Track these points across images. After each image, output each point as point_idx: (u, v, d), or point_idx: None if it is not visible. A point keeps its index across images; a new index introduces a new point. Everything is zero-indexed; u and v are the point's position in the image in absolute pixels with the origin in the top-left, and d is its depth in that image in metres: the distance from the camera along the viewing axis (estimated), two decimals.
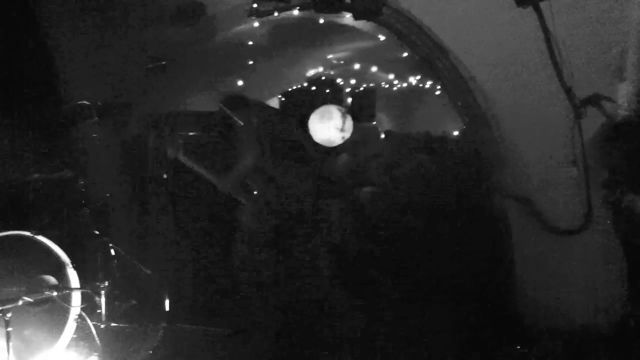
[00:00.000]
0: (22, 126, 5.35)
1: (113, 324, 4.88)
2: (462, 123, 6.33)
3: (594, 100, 4.89)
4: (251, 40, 8.01)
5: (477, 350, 4.78)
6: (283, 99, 10.37)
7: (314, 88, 9.97)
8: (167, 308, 4.95)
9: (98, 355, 4.48)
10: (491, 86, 5.53)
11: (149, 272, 5.31)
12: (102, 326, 4.72)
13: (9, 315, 3.88)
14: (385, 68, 10.85)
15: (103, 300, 4.77)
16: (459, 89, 5.78)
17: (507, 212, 5.45)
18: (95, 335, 4.50)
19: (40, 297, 4.22)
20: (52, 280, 4.40)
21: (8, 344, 3.84)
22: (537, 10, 4.92)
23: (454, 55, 5.63)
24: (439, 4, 5.49)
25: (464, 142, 6.52)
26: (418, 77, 11.01)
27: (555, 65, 4.94)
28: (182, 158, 5.16)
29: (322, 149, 7.32)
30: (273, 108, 8.90)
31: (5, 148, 5.16)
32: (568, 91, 4.95)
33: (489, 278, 5.51)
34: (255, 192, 5.60)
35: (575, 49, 4.90)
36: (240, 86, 8.92)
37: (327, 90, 9.44)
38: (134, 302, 5.17)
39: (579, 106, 4.94)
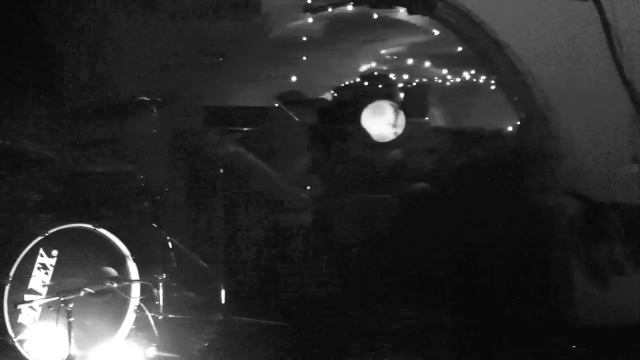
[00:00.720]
0: (84, 120, 5.50)
1: (170, 316, 4.95)
2: (518, 119, 6.25)
3: None
4: (305, 36, 8.04)
5: (532, 350, 4.73)
6: (335, 94, 10.38)
7: (366, 83, 9.95)
8: (223, 300, 5.00)
9: (156, 346, 4.55)
10: (548, 81, 5.44)
11: (205, 264, 5.38)
12: (160, 317, 4.77)
13: (70, 305, 3.99)
14: (438, 63, 10.74)
15: (161, 292, 4.84)
16: (515, 84, 5.70)
17: (564, 210, 5.36)
18: (154, 326, 4.58)
19: (101, 288, 4.31)
20: (113, 272, 4.48)
21: (69, 334, 3.95)
22: (597, 3, 4.83)
23: (511, 50, 5.56)
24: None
25: (519, 138, 6.41)
26: (472, 72, 10.87)
27: (615, 59, 4.84)
28: (240, 152, 5.22)
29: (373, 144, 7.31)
30: (327, 100, 8.89)
31: (69, 142, 5.31)
32: (628, 85, 4.85)
33: (543, 277, 5.43)
34: (307, 188, 5.64)
35: (635, 43, 4.80)
36: (293, 82, 8.96)
37: (380, 86, 9.41)
38: (191, 294, 5.24)
39: None
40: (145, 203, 5.10)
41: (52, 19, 5.67)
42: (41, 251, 4.45)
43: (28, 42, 5.67)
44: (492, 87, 9.95)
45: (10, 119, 5.40)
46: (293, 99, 5.78)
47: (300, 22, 7.44)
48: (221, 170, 5.10)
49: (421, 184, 6.88)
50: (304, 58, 8.94)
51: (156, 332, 4.58)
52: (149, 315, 4.57)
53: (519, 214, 5.68)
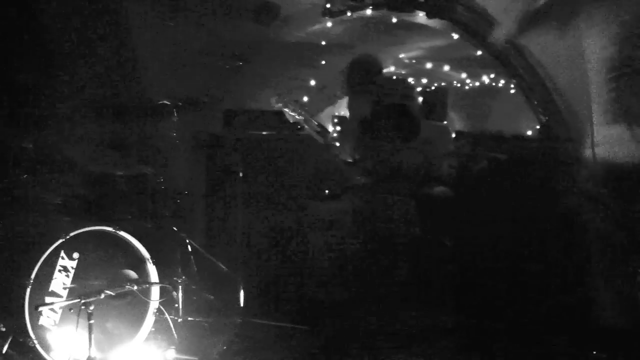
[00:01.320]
0: (105, 123, 5.54)
1: (190, 318, 4.97)
2: (538, 122, 6.21)
3: None
4: (324, 40, 8.04)
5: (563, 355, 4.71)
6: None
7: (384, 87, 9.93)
8: (241, 303, 5.01)
9: (175, 349, 4.58)
10: (568, 84, 5.41)
11: (224, 267, 5.40)
12: (180, 320, 4.81)
13: (91, 307, 4.02)
14: (457, 66, 10.69)
15: (181, 294, 4.86)
16: (535, 87, 5.68)
17: (586, 213, 5.33)
18: (173, 329, 4.61)
19: (121, 290, 4.35)
20: (133, 274, 4.52)
21: (90, 336, 3.98)
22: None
23: (530, 53, 5.54)
24: (514, 1, 5.41)
25: (539, 141, 6.38)
26: (491, 76, 10.82)
27: None
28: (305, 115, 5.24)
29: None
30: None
31: (90, 145, 5.35)
32: None
33: (569, 282, 5.40)
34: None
35: None
36: (312, 85, 8.96)
37: (399, 89, 9.39)
38: (210, 297, 5.26)
39: None
40: (165, 206, 5.14)
41: (77, 21, 5.73)
42: (62, 254, 4.50)
43: (52, 44, 5.74)
44: (512, 91, 9.90)
45: (33, 121, 5.46)
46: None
47: (319, 26, 7.45)
48: (240, 174, 5.12)
49: (441, 188, 6.85)
50: (323, 62, 8.93)
51: (175, 334, 4.61)
52: (169, 317, 4.60)
53: (538, 217, 5.64)
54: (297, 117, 5.63)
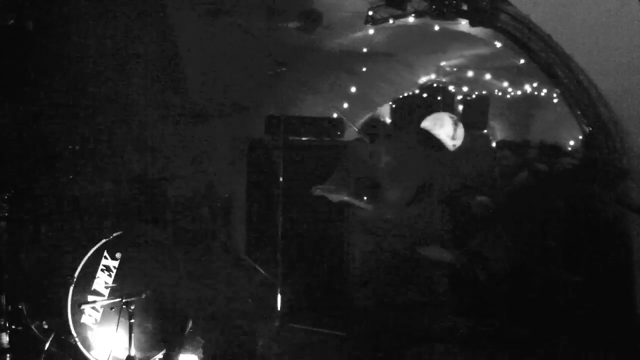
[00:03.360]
0: (150, 126, 5.63)
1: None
2: (581, 132, 6.13)
3: None
4: (365, 47, 8.06)
5: None
6: (394, 105, 10.36)
7: (425, 95, 9.91)
8: (279, 307, 5.03)
9: (212, 349, 4.61)
10: (614, 94, 5.33)
11: (262, 271, 5.43)
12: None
13: (132, 307, 4.07)
14: (499, 75, 10.63)
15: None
16: (580, 97, 5.61)
17: (632, 224, 5.25)
18: (210, 330, 4.64)
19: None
20: None
21: (130, 335, 4.03)
22: None
23: (575, 63, 5.48)
24: (560, 10, 5.35)
25: (583, 151, 6.29)
26: (534, 85, 10.71)
27: None
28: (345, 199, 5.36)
29: None
30: None
31: (136, 148, 5.45)
32: None
33: (612, 294, 5.32)
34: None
35: None
36: (353, 93, 8.99)
37: (439, 98, 9.37)
38: (248, 300, 5.29)
39: None
40: (206, 208, 5.19)
41: (121, 25, 5.84)
42: (105, 254, 4.56)
43: (97, 48, 5.85)
44: (555, 100, 9.80)
45: (81, 124, 5.57)
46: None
47: (361, 33, 7.46)
48: (280, 179, 5.15)
49: (482, 198, 6.80)
50: (364, 69, 8.95)
51: (212, 336, 4.64)
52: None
53: (580, 227, 5.57)
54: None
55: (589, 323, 5.04)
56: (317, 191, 5.67)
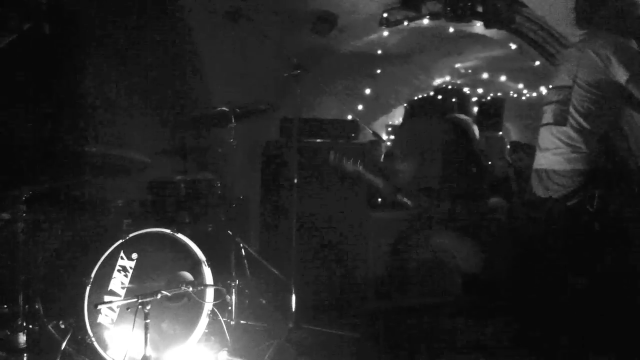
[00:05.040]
0: (167, 130, 5.67)
1: (242, 321, 5.02)
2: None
3: None
4: (380, 49, 8.07)
5: None
6: (409, 107, 10.36)
7: (440, 97, 9.90)
8: (293, 308, 5.03)
9: (227, 351, 4.62)
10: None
11: (277, 272, 5.44)
12: (232, 323, 4.85)
13: (148, 307, 4.09)
14: (514, 77, 10.61)
15: (234, 298, 4.91)
16: None
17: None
18: (226, 331, 4.65)
19: (177, 291, 4.41)
20: (189, 276, 4.58)
21: (146, 335, 4.05)
22: None
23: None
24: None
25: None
26: (549, 86, 10.66)
27: None
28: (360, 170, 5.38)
29: None
30: None
31: (153, 152, 5.47)
32: None
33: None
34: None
35: None
36: (367, 94, 9.00)
37: (454, 99, 9.36)
38: (263, 301, 5.30)
39: None
40: (221, 210, 5.21)
41: (139, 26, 5.87)
42: (122, 254, 4.60)
43: (116, 51, 5.90)
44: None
45: (95, 125, 5.62)
46: None
47: (375, 35, 7.47)
48: (295, 180, 5.16)
49: (496, 199, 6.79)
50: (379, 71, 8.96)
51: (228, 337, 4.65)
52: (222, 320, 4.65)
53: (595, 228, 5.52)
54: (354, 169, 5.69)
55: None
56: (332, 156, 5.68)
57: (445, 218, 6.13)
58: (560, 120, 4.57)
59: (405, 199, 5.77)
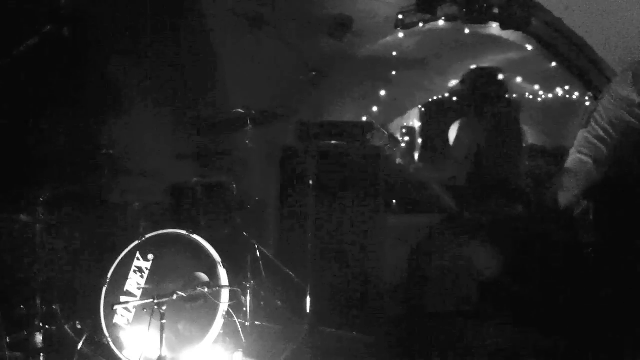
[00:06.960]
0: (184, 132, 5.68)
1: (257, 323, 5.03)
2: None
3: None
4: (395, 52, 8.06)
5: None
6: (424, 110, 10.35)
7: (456, 99, 9.87)
8: (308, 310, 5.03)
9: (243, 352, 4.63)
10: None
11: (292, 274, 5.44)
12: (247, 324, 4.85)
13: (164, 308, 4.12)
14: (530, 79, 10.55)
15: (249, 299, 4.92)
16: None
17: None
18: (241, 333, 4.67)
19: (193, 292, 4.44)
20: (204, 277, 4.60)
21: (161, 335, 4.07)
22: None
23: (608, 66, 5.42)
24: (594, 15, 5.31)
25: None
26: (566, 88, 10.60)
27: None
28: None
29: None
30: None
31: (172, 154, 5.51)
32: None
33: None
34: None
35: None
36: (382, 97, 8.99)
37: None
38: (278, 302, 5.31)
39: None
40: (237, 213, 5.23)
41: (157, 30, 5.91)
42: (138, 255, 4.63)
43: (134, 55, 5.94)
44: (587, 104, 9.69)
45: (113, 128, 5.66)
46: None
47: (391, 38, 7.46)
48: (310, 182, 5.16)
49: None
50: (394, 73, 8.95)
51: (243, 338, 4.66)
52: (237, 321, 4.66)
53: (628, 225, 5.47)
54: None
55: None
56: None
57: (468, 224, 6.14)
58: None
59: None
